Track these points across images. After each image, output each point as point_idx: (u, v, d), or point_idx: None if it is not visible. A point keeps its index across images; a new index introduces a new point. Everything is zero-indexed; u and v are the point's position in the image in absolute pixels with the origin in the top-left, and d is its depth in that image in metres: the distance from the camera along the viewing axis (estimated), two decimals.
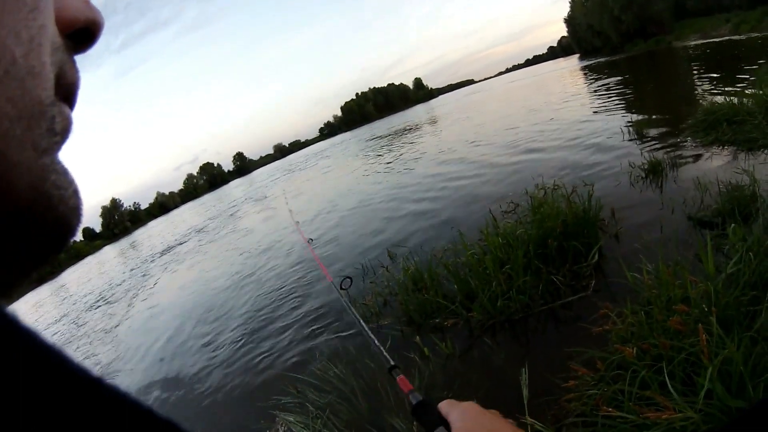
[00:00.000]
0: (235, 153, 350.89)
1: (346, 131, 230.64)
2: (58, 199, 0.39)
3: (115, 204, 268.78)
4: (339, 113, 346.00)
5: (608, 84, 27.56)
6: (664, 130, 11.43)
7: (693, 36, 63.42)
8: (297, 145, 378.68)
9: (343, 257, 10.10)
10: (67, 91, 0.42)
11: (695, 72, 22.51)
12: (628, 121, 13.30)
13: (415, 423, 1.55)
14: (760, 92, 9.74)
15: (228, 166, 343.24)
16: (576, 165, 10.34)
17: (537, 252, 5.81)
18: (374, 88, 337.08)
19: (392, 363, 1.24)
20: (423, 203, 12.16)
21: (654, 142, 10.39)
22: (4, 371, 0.24)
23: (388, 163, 24.18)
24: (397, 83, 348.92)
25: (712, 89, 15.15)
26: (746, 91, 11.74)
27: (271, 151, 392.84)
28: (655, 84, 22.96)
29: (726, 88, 14.36)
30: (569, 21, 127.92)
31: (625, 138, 11.47)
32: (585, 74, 45.29)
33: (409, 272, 6.69)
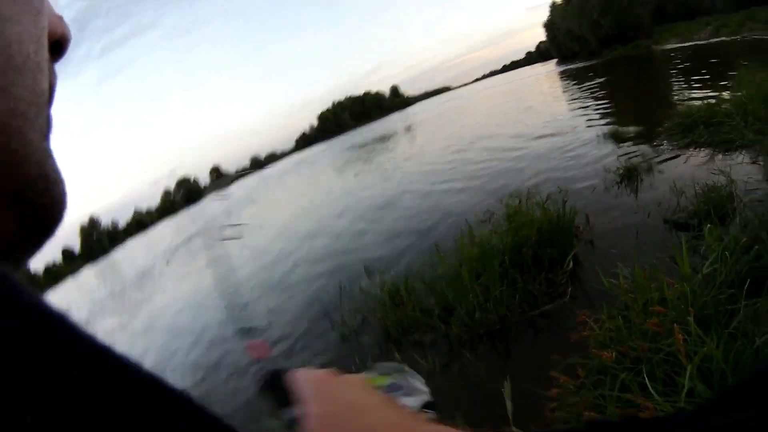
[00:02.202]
0: (211, 166, 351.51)
1: (322, 141, 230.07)
2: (54, 180, 0.44)
3: (93, 223, 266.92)
4: (315, 123, 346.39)
5: (585, 88, 27.82)
6: (640, 134, 11.55)
7: (673, 40, 63.87)
8: (273, 158, 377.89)
9: (319, 275, 10.06)
10: (50, 92, 0.47)
11: (673, 75, 22.70)
12: (605, 126, 13.44)
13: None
14: (738, 94, 9.86)
15: (205, 179, 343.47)
16: (551, 172, 10.41)
17: (512, 261, 5.82)
18: (351, 96, 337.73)
19: (250, 325, 1.02)
20: (398, 217, 12.21)
21: (630, 147, 10.49)
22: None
23: (361, 175, 24.29)
24: (373, 91, 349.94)
25: (690, 92, 15.29)
26: (724, 93, 11.90)
27: (248, 164, 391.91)
28: (632, 88, 23.31)
29: (704, 91, 14.52)
30: (548, 26, 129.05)
31: (601, 143, 11.59)
32: (562, 79, 45.78)
33: (386, 288, 6.68)
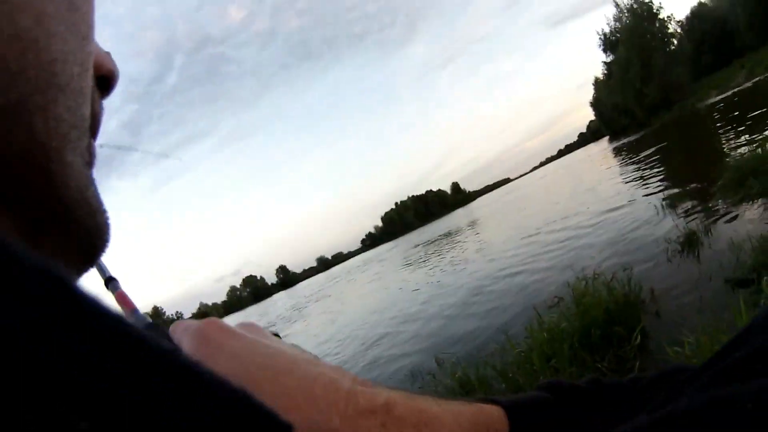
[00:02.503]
0: (277, 266, 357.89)
1: (387, 241, 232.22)
2: (96, 208, 0.44)
3: (157, 312, 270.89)
4: (379, 223, 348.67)
5: (638, 162, 27.80)
6: (696, 197, 11.59)
7: (712, 93, 63.80)
8: (340, 258, 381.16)
9: (390, 363, 10.25)
10: (93, 123, 0.48)
11: (720, 130, 22.69)
12: (662, 195, 13.51)
13: None
14: None
15: (271, 278, 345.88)
16: (615, 249, 10.44)
17: (582, 342, 5.89)
18: (413, 196, 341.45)
19: (109, 274, 0.78)
20: (467, 307, 12.24)
21: (687, 212, 10.50)
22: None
23: (428, 269, 24.35)
24: (435, 189, 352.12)
25: (738, 144, 15.30)
26: None
27: (314, 264, 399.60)
28: (683, 152, 23.21)
29: (751, 138, 14.52)
30: (595, 104, 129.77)
31: (659, 213, 11.57)
32: (615, 156, 45.80)
33: (457, 376, 6.73)
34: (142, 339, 0.26)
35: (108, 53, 0.53)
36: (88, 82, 0.43)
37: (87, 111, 0.43)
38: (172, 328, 0.62)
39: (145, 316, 0.72)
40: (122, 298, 0.73)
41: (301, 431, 0.46)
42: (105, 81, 0.52)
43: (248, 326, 0.62)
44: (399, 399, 0.53)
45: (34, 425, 0.20)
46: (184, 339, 0.57)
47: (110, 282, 0.75)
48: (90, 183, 0.43)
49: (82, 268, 0.45)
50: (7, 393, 0.20)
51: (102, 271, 0.76)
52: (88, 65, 0.43)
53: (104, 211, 0.45)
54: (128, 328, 0.26)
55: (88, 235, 0.43)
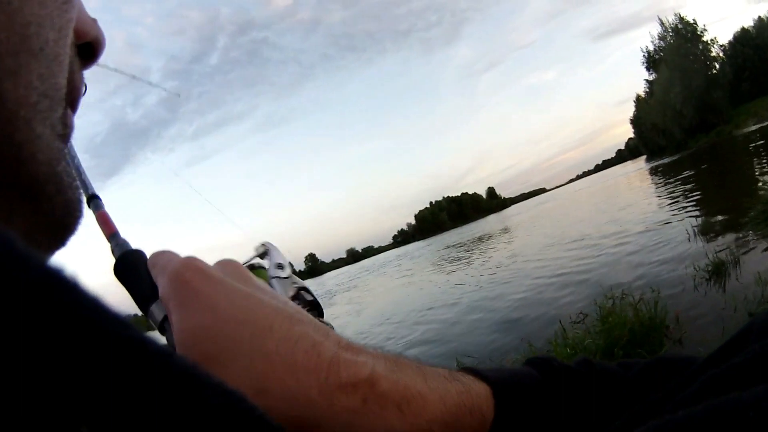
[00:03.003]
0: (307, 254, 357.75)
1: (419, 240, 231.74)
2: (67, 183, 0.41)
3: None
4: (412, 221, 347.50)
5: (673, 184, 27.62)
6: (727, 226, 11.53)
7: (750, 121, 63.22)
8: (370, 251, 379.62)
9: None
10: (72, 94, 0.46)
11: (756, 159, 22.54)
12: (693, 220, 13.36)
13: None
14: None
15: (299, 265, 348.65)
16: (643, 270, 10.41)
17: (604, 361, 5.92)
18: (448, 197, 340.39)
19: (92, 191, 0.70)
20: (493, 313, 12.26)
21: (718, 241, 10.45)
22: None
23: (457, 271, 24.35)
24: (470, 192, 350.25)
25: None
26: None
27: (344, 255, 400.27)
28: (717, 179, 23.17)
29: None
30: (634, 121, 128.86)
31: (690, 238, 11.52)
32: (651, 175, 45.48)
33: None
34: (140, 342, 0.25)
35: (95, 20, 0.51)
36: (66, 49, 0.42)
37: (62, 80, 0.42)
38: (152, 259, 0.60)
39: (126, 240, 0.66)
40: (103, 219, 0.68)
41: (276, 399, 0.45)
42: (89, 49, 0.50)
43: (228, 265, 0.57)
44: (384, 372, 0.51)
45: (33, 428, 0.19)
46: (160, 280, 0.55)
47: (92, 200, 0.69)
48: (61, 157, 0.41)
49: (53, 248, 0.43)
50: (6, 395, 0.19)
51: (85, 186, 0.69)
52: (68, 31, 0.42)
53: (77, 186, 0.44)
54: (126, 330, 0.25)
55: (58, 213, 0.41)
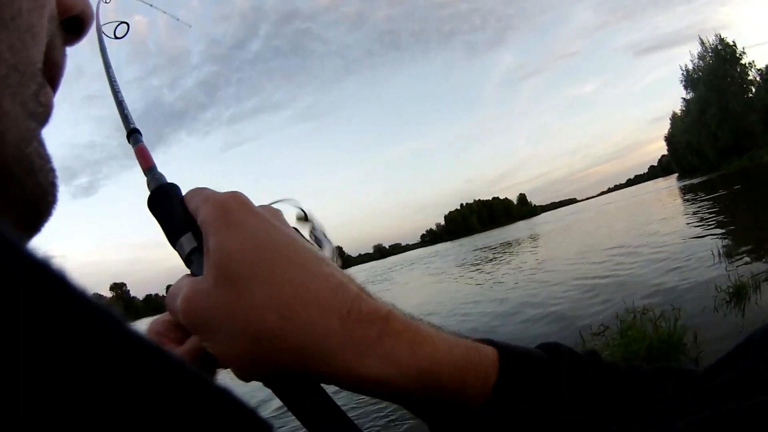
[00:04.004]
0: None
1: (447, 240, 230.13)
2: (39, 166, 0.38)
3: None
4: (441, 221, 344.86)
5: (702, 205, 27.37)
6: (752, 250, 11.49)
7: None
8: (397, 249, 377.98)
9: None
10: (52, 71, 0.43)
11: None
12: (720, 242, 13.35)
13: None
14: None
15: None
16: (666, 287, 10.38)
17: None
18: (479, 200, 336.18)
19: (134, 125, 0.73)
20: (514, 318, 12.33)
21: (741, 264, 10.40)
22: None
23: (483, 275, 24.27)
24: (501, 197, 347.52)
25: None
26: None
27: (371, 251, 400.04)
28: (746, 203, 22.94)
29: None
30: (669, 139, 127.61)
31: (715, 260, 11.44)
32: (682, 194, 44.96)
33: None
34: (135, 339, 0.25)
35: None
36: (43, 21, 0.39)
37: (37, 54, 0.39)
38: (189, 194, 0.61)
39: (162, 174, 0.66)
40: (141, 153, 0.69)
41: (299, 325, 0.48)
42: (75, 24, 0.47)
43: (270, 209, 0.60)
44: (399, 315, 0.54)
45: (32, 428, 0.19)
46: (203, 207, 0.56)
47: (132, 134, 0.72)
48: (32, 137, 0.38)
49: (25, 235, 0.40)
50: (5, 396, 0.19)
51: (126, 120, 0.73)
52: (45, 1, 0.40)
53: (50, 170, 0.41)
54: (121, 326, 0.24)
55: (28, 197, 0.38)
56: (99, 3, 0.97)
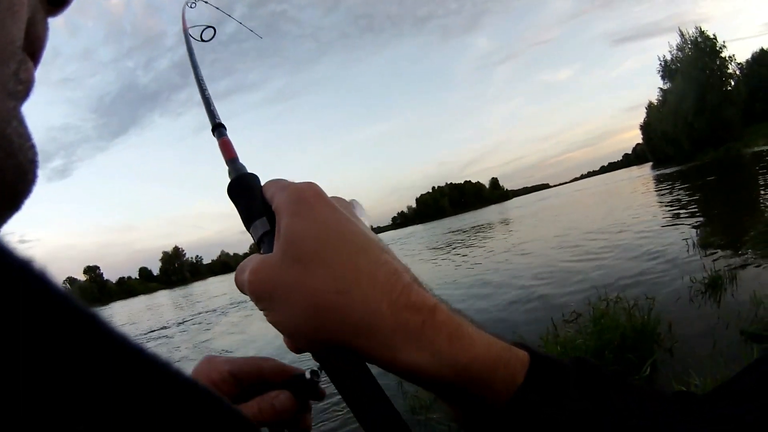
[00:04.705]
0: None
1: (419, 223, 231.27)
2: (18, 146, 0.37)
3: (177, 252, 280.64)
4: (413, 204, 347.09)
5: (677, 194, 27.66)
6: (727, 242, 11.52)
7: (761, 141, 63.07)
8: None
9: None
10: (33, 45, 0.42)
11: (761, 180, 22.49)
12: (694, 232, 13.43)
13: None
14: None
15: None
16: (640, 276, 10.39)
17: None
18: (451, 183, 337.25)
19: (219, 120, 0.81)
20: (485, 302, 12.29)
21: (717, 255, 10.43)
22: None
23: (454, 259, 24.27)
24: (473, 181, 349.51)
25: None
26: None
27: None
28: (721, 194, 23.10)
29: None
30: (644, 128, 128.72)
31: (690, 250, 11.49)
32: (655, 183, 45.39)
33: None
34: (125, 341, 0.25)
35: None
36: None
37: (17, 31, 0.38)
38: (267, 183, 0.68)
39: (242, 165, 0.74)
40: (225, 145, 0.77)
41: (351, 302, 0.53)
42: None
43: (341, 201, 0.66)
44: (444, 308, 0.57)
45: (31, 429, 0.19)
46: (280, 193, 0.61)
47: (217, 128, 0.80)
48: (12, 116, 0.37)
49: (4, 215, 0.39)
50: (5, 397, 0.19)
51: (213, 115, 0.82)
52: None
53: (30, 147, 0.40)
54: (107, 330, 0.24)
55: (8, 178, 0.37)
56: (185, 7, 1.09)
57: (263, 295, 0.56)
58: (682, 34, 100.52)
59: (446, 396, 0.59)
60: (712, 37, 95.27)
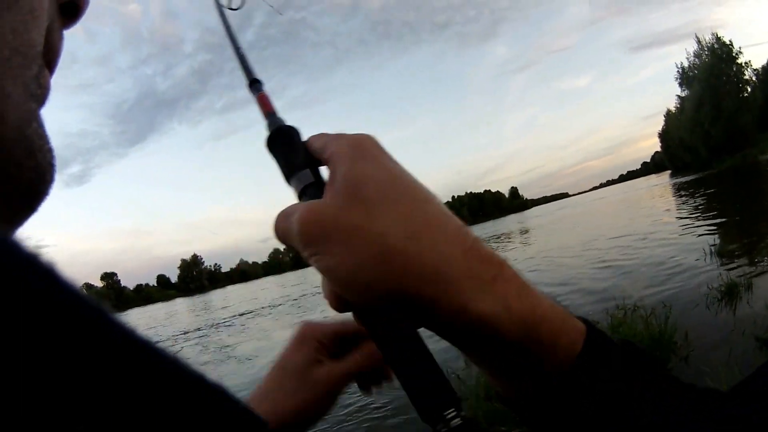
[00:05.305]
0: None
1: None
2: (38, 147, 0.39)
3: (195, 260, 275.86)
4: None
5: (695, 202, 27.54)
6: (744, 249, 11.51)
7: None
8: None
9: None
10: (50, 53, 0.44)
11: None
12: (711, 240, 13.31)
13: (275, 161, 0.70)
14: None
15: None
16: (658, 285, 10.37)
17: None
18: (470, 192, 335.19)
19: (255, 76, 0.80)
20: None
21: (733, 263, 10.42)
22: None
23: None
24: (493, 190, 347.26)
25: None
26: None
27: None
28: (738, 201, 22.93)
29: None
30: (663, 135, 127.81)
31: (707, 259, 11.45)
32: (674, 191, 45.06)
33: (482, 380, 6.48)
34: (132, 337, 0.25)
35: None
36: (44, 3, 0.40)
37: (38, 36, 0.40)
38: (313, 137, 0.65)
39: (281, 118, 0.71)
40: (262, 100, 0.75)
41: (424, 246, 0.50)
42: (72, 8, 0.49)
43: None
44: (511, 266, 0.55)
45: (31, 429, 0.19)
46: (335, 142, 0.59)
47: (254, 84, 0.78)
48: (33, 118, 0.39)
49: (22, 215, 0.41)
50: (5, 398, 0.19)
51: (248, 71, 0.80)
52: None
53: (48, 150, 0.42)
54: (116, 326, 0.24)
55: (26, 178, 0.39)
56: None
57: (318, 238, 0.52)
58: (698, 41, 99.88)
59: (507, 356, 0.55)
60: (728, 43, 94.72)
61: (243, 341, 19.39)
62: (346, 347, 0.82)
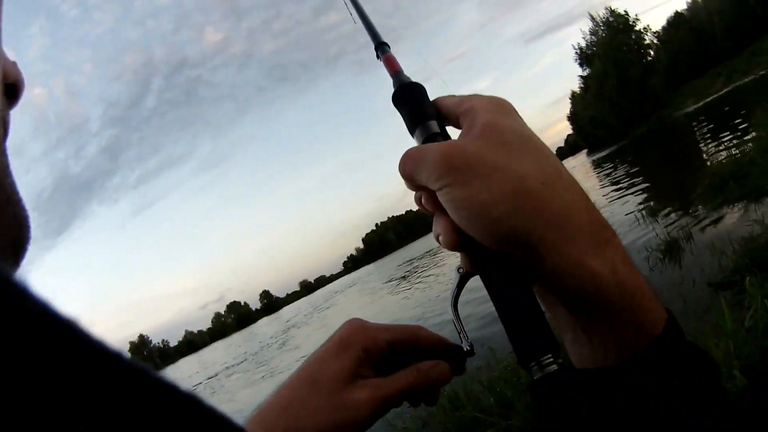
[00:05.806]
0: (261, 291, 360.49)
1: (370, 263, 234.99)
2: (15, 197, 0.43)
3: (143, 340, 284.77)
4: (361, 245, 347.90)
5: (618, 173, 28.27)
6: (676, 205, 11.75)
7: (690, 101, 64.74)
8: (323, 281, 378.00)
9: None
10: (2, 129, 0.49)
11: (698, 138, 23.08)
12: (642, 205, 13.57)
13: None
14: (760, 135, 9.95)
15: (255, 304, 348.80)
16: None
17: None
18: (393, 216, 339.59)
19: (380, 39, 0.86)
20: (450, 324, 12.10)
21: (668, 221, 10.63)
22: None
23: (410, 289, 24.50)
24: (415, 209, 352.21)
25: (717, 150, 15.56)
26: (748, 141, 12.03)
27: (298, 288, 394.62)
28: (662, 162, 23.67)
29: (729, 144, 14.74)
30: (572, 117, 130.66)
31: (640, 223, 11.64)
32: (594, 169, 46.15)
33: (445, 393, 6.47)
34: (98, 345, 0.25)
35: (14, 63, 0.53)
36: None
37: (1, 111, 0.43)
38: (444, 97, 0.71)
39: (407, 76, 0.77)
40: (388, 60, 0.82)
41: (558, 196, 0.55)
42: (12, 89, 0.52)
43: None
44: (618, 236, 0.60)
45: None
46: (475, 98, 0.65)
47: (380, 46, 0.85)
48: (8, 173, 0.43)
49: (9, 260, 0.43)
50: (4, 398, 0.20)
51: (374, 35, 0.87)
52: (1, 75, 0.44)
53: (20, 202, 0.45)
54: (85, 335, 0.25)
55: (9, 225, 0.41)
56: None
57: (461, 167, 0.55)
58: (592, 18, 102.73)
59: (604, 317, 0.57)
60: (623, 13, 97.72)
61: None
62: (397, 360, 0.75)
